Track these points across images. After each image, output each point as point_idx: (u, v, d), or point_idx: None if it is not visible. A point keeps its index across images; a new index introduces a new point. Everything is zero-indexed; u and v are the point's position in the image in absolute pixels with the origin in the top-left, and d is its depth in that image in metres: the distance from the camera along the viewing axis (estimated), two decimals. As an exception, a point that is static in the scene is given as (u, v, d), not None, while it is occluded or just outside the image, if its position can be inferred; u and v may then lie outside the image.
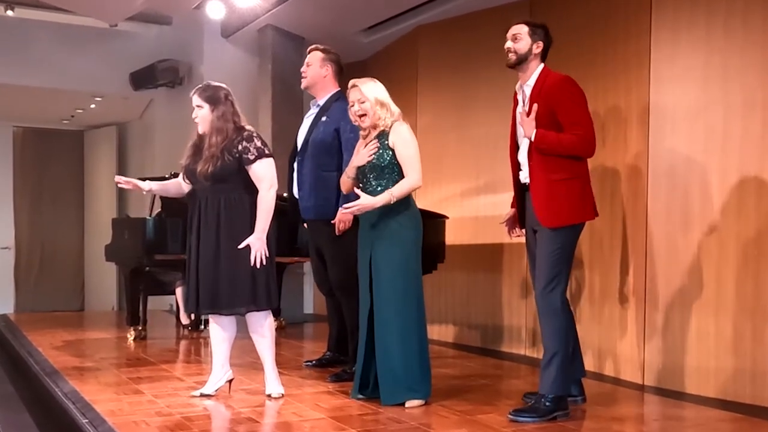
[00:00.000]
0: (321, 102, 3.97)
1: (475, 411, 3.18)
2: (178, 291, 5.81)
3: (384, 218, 3.24)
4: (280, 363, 3.71)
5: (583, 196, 3.14)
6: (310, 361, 4.30)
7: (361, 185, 3.33)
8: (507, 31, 3.20)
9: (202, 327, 5.75)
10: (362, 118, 3.31)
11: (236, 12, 6.34)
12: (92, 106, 8.72)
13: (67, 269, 10.01)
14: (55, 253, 9.91)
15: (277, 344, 3.54)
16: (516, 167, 3.26)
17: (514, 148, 3.26)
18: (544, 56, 3.17)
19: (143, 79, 7.46)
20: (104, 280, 9.37)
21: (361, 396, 3.38)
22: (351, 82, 3.35)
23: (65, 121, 9.75)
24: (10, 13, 6.84)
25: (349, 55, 6.09)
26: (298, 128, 4.10)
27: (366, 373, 3.36)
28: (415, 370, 3.25)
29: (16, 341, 5.44)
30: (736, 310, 3.52)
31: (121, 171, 9.35)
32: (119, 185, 3.45)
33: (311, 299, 7.37)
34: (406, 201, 3.30)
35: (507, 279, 5.07)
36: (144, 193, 3.51)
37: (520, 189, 3.27)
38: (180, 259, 4.95)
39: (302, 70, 4.00)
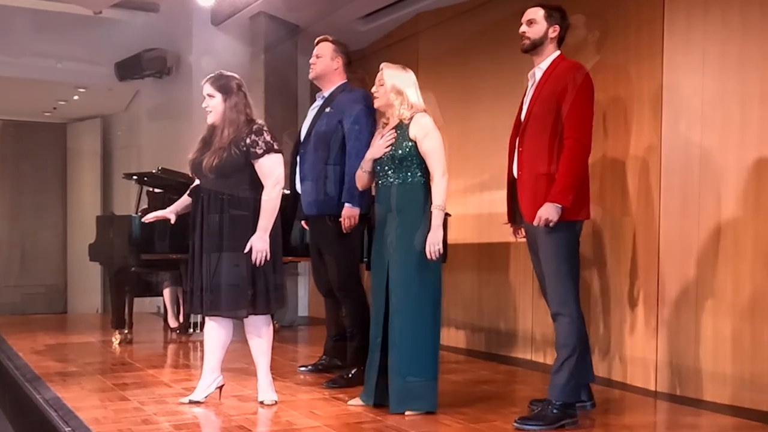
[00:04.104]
0: (326, 93, 3.96)
1: (479, 419, 3.15)
2: (166, 292, 5.76)
3: (403, 219, 3.19)
4: (274, 368, 3.65)
5: (577, 193, 3.02)
6: (305, 366, 4.27)
7: (377, 179, 3.31)
8: (512, 18, 3.22)
9: (191, 330, 5.69)
10: (376, 100, 3.38)
11: (227, -2, 6.26)
12: (75, 97, 8.68)
13: (49, 269, 9.98)
14: (37, 252, 9.93)
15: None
16: (513, 156, 3.19)
17: (516, 135, 3.19)
18: (560, 41, 3.14)
19: (129, 69, 7.39)
20: (88, 281, 9.30)
21: (371, 403, 3.29)
22: (381, 65, 3.37)
23: (47, 114, 9.68)
24: (-13, -1, 6.65)
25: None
26: (302, 121, 4.07)
27: (380, 379, 3.26)
28: (425, 377, 3.20)
29: (-5, 345, 5.35)
30: (754, 313, 3.43)
31: (106, 166, 9.36)
32: (146, 222, 3.51)
33: (306, 301, 7.28)
34: (425, 197, 3.22)
35: (513, 280, 4.99)
36: (172, 222, 3.44)
37: (513, 183, 3.21)
38: (168, 259, 4.86)
39: (311, 61, 3.99)
